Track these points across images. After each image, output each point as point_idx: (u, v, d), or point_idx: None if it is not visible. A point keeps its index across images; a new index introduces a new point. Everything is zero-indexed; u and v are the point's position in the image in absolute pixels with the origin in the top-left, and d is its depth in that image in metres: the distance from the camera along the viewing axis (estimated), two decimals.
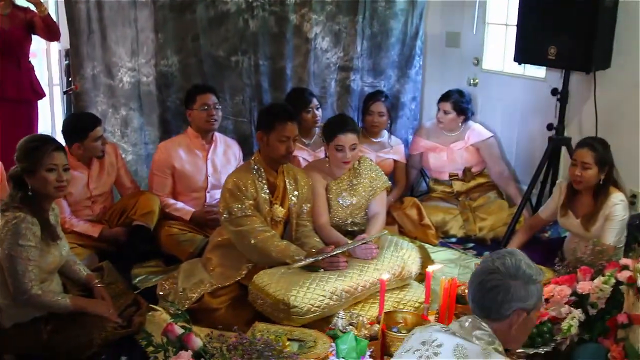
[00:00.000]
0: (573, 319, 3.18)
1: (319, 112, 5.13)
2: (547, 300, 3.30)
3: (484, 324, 2.24)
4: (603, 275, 3.29)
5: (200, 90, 4.76)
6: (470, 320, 2.26)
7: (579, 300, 3.27)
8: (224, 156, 4.89)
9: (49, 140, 3.47)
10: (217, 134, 4.89)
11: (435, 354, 2.17)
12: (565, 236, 4.43)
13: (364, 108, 5.34)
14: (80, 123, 4.45)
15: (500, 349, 2.21)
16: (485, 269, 2.27)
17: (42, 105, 5.31)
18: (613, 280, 3.20)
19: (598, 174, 4.02)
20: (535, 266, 2.30)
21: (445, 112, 5.29)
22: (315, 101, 5.11)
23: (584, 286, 3.27)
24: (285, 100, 5.16)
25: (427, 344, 2.23)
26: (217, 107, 4.74)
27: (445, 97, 5.31)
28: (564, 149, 4.80)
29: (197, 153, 4.78)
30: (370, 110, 5.26)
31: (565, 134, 4.79)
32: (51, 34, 4.90)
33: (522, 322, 2.24)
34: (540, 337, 3.17)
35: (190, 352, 2.77)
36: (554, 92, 4.76)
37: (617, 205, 3.98)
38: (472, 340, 2.19)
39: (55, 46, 5.44)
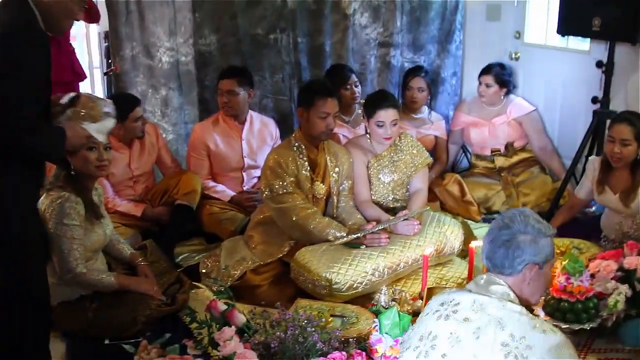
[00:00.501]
0: (619, 294, 3.14)
1: (357, 89, 5.10)
2: (592, 275, 3.26)
3: (498, 279, 2.31)
4: None
5: (221, 75, 4.75)
6: (485, 277, 2.34)
7: (626, 276, 3.23)
8: (259, 135, 4.86)
9: None
10: (252, 113, 4.87)
11: (454, 312, 2.24)
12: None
13: (403, 83, 5.30)
14: (119, 104, 4.46)
15: (516, 301, 2.26)
16: (496, 226, 2.35)
17: (83, 87, 5.35)
18: None
19: (637, 150, 3.94)
20: (545, 222, 2.36)
21: (487, 85, 5.23)
22: (354, 77, 5.08)
23: (630, 261, 3.23)
24: (324, 77, 5.13)
25: (445, 304, 2.29)
26: (234, 93, 4.66)
27: (486, 70, 5.24)
28: (608, 123, 4.71)
29: (231, 133, 4.78)
30: (410, 86, 5.21)
31: (611, 107, 4.69)
32: (91, 16, 4.92)
33: (534, 275, 2.31)
34: (586, 313, 3.13)
35: (233, 328, 2.80)
36: (599, 64, 4.66)
37: None
38: (488, 295, 2.25)
39: (94, 29, 5.47)
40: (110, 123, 3.13)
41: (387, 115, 4.07)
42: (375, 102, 4.16)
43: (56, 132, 2.77)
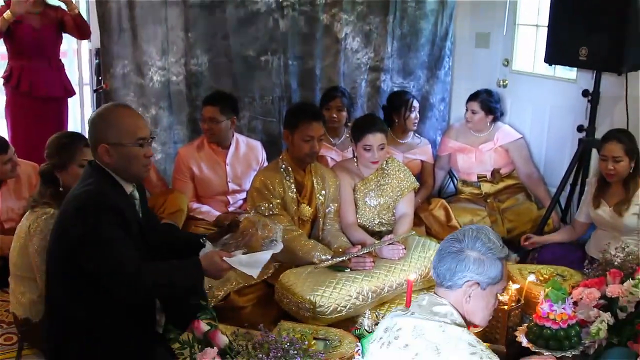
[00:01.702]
0: (602, 322, 3.14)
1: (340, 114, 5.04)
2: (575, 303, 3.28)
3: (440, 298, 2.28)
4: (633, 279, 3.25)
5: (204, 101, 4.75)
6: (427, 297, 2.31)
7: (608, 304, 3.24)
8: (245, 160, 4.84)
9: (79, 136, 3.53)
10: (238, 137, 4.85)
11: (396, 338, 2.22)
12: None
13: (399, 107, 5.23)
14: None
15: (459, 320, 2.23)
16: (449, 237, 2.33)
17: (72, 104, 5.36)
18: None
19: (629, 165, 4.06)
20: (500, 243, 2.32)
21: (474, 112, 5.26)
22: (339, 101, 5.03)
23: (613, 289, 3.24)
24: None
25: (388, 330, 2.27)
26: (216, 121, 4.61)
27: (473, 97, 5.28)
28: (594, 151, 4.75)
29: (215, 158, 4.76)
30: (414, 107, 5.23)
31: (596, 135, 4.73)
32: (82, 32, 4.95)
33: (476, 295, 2.27)
34: (568, 340, 3.13)
35: (215, 350, 2.78)
36: (585, 93, 4.71)
37: None
38: (430, 318, 2.21)
39: (85, 46, 5.49)
40: (267, 255, 2.99)
41: (374, 139, 4.10)
42: (363, 126, 4.19)
43: (189, 268, 2.91)
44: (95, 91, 5.32)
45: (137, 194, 3.01)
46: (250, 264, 2.94)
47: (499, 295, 2.48)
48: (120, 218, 2.75)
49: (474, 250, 2.25)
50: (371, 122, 4.22)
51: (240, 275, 3.86)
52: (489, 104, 5.25)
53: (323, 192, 4.05)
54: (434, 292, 2.33)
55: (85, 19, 5.02)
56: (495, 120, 5.34)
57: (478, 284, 2.26)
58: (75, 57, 5.64)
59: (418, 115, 5.31)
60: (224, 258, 2.91)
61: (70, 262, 2.76)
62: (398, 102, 5.30)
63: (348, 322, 3.53)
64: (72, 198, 2.83)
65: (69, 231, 2.77)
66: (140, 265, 2.75)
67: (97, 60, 5.23)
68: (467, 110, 5.31)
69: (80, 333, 2.84)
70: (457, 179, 5.63)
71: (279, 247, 3.07)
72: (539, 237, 4.54)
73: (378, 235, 4.21)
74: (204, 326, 2.89)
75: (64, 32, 4.97)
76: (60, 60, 5.06)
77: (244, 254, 2.95)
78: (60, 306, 2.88)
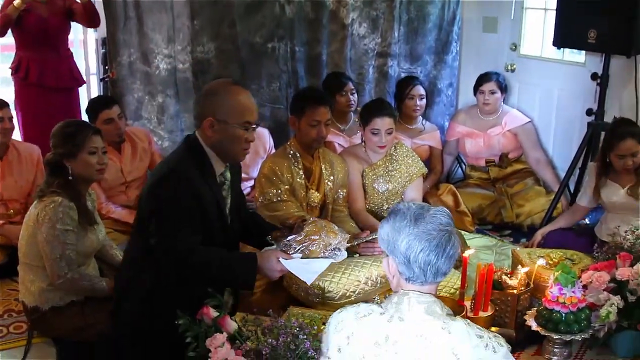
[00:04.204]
0: (612, 305, 3.13)
1: (353, 97, 5.10)
2: (585, 286, 3.26)
3: (422, 295, 2.02)
4: None
5: None
6: (407, 299, 2.02)
7: (618, 287, 3.22)
8: (252, 148, 4.75)
9: (87, 124, 3.53)
10: None
11: (396, 353, 1.97)
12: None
13: (402, 93, 5.29)
14: (91, 105, 4.50)
15: (448, 311, 2.03)
16: (435, 235, 1.99)
17: (81, 92, 5.35)
18: None
19: None
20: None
21: (492, 92, 5.26)
22: (350, 85, 5.10)
23: (623, 272, 3.22)
24: (322, 83, 5.16)
25: (381, 345, 2.00)
26: None
27: (487, 78, 5.28)
28: (603, 135, 4.72)
29: None
30: (412, 94, 5.22)
31: (605, 119, 4.71)
32: (91, 20, 4.93)
33: None
34: (578, 324, 3.12)
35: (225, 335, 2.78)
36: (594, 76, 4.69)
37: None
38: (425, 320, 1.98)
39: (92, 35, 5.48)
40: (325, 264, 2.96)
41: (382, 123, 4.09)
42: (372, 109, 4.18)
43: (244, 262, 2.96)
44: (101, 80, 5.31)
45: (228, 175, 3.09)
46: (306, 270, 2.92)
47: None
48: (196, 202, 2.84)
49: (449, 225, 2.03)
50: (379, 106, 4.21)
51: None
52: (502, 82, 5.29)
53: (331, 177, 4.04)
54: (406, 289, 2.05)
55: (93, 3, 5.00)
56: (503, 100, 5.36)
57: None
58: (82, 47, 5.63)
59: (420, 103, 5.28)
60: (280, 259, 2.92)
61: (143, 228, 2.93)
62: (402, 88, 5.30)
63: None
64: (156, 171, 3.04)
65: (144, 202, 2.96)
66: (194, 248, 2.84)
67: (103, 50, 5.23)
68: (482, 92, 5.28)
69: (144, 291, 2.96)
70: (465, 164, 5.62)
71: (340, 257, 3.04)
72: (540, 231, 4.48)
73: None
74: (213, 312, 2.89)
75: (72, 21, 4.96)
76: (68, 49, 5.05)
77: (302, 258, 2.94)
78: (133, 259, 3.06)
